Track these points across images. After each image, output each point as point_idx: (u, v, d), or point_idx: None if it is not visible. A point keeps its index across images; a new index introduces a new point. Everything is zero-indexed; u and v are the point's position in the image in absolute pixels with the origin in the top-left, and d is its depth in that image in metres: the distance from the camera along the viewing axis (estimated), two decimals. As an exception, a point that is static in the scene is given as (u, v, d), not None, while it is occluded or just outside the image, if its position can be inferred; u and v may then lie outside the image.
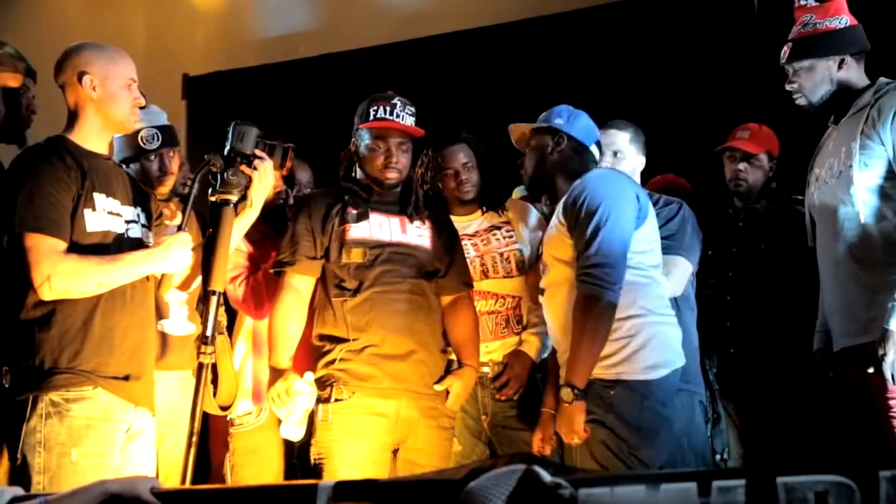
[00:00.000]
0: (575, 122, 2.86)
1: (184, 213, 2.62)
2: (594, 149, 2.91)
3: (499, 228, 3.30)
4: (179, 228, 2.58)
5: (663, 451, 2.66)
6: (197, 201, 2.67)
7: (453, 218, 3.26)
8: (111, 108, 2.54)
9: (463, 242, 3.22)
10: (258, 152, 2.67)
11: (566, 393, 2.58)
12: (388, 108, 2.92)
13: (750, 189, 3.49)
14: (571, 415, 2.57)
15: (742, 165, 3.48)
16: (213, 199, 2.62)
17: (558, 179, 2.84)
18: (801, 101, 2.77)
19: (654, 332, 2.66)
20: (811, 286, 2.86)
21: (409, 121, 2.95)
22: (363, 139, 2.96)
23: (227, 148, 2.65)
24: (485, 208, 3.34)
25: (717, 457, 3.25)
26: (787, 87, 2.78)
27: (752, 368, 3.32)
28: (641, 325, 2.64)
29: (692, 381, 3.03)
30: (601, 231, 2.61)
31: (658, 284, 2.76)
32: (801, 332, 2.95)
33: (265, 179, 2.67)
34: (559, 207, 2.78)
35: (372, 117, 2.93)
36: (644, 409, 2.59)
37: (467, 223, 3.31)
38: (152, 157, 3.09)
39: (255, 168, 2.65)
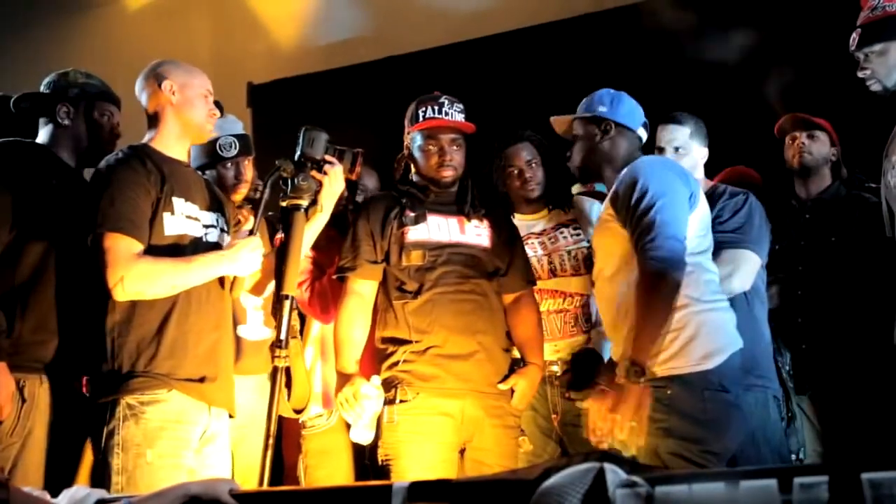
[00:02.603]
0: (619, 108, 2.78)
1: (255, 218, 2.67)
2: (641, 131, 2.83)
3: (566, 226, 3.28)
4: (251, 233, 2.64)
5: (735, 438, 2.56)
6: (267, 206, 2.72)
7: (520, 217, 3.26)
8: (189, 113, 2.62)
9: (530, 241, 3.22)
10: (328, 157, 2.70)
11: (625, 369, 2.43)
12: (436, 108, 2.93)
13: (815, 163, 3.39)
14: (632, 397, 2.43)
15: (805, 138, 3.39)
16: (284, 204, 2.66)
17: (606, 168, 2.77)
18: (876, 87, 2.67)
19: (703, 320, 2.56)
20: (887, 278, 2.78)
21: (459, 117, 2.94)
22: (415, 141, 2.97)
23: (298, 153, 2.69)
24: (551, 206, 3.32)
25: (793, 456, 3.18)
26: (860, 74, 2.68)
27: (827, 364, 3.24)
28: (689, 316, 2.54)
29: (765, 376, 2.98)
30: (656, 207, 2.52)
31: (704, 270, 2.65)
32: (878, 325, 2.86)
33: (335, 184, 2.71)
34: (607, 199, 2.71)
35: (421, 118, 2.94)
36: (706, 399, 2.49)
37: (534, 222, 3.30)
38: (229, 164, 3.15)
39: (325, 173, 2.68)
